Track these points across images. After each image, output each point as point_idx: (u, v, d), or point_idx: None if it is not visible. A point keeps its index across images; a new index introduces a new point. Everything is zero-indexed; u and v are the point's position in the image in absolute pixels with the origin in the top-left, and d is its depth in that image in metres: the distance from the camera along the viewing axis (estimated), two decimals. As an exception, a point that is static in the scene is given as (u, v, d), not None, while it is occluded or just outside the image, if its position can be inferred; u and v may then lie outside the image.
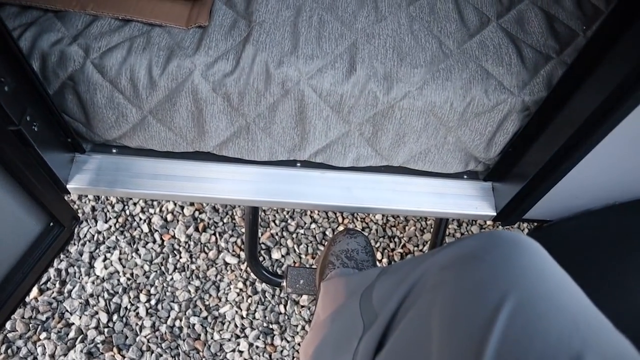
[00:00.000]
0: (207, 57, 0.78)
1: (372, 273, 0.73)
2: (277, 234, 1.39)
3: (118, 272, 1.31)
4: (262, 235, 1.39)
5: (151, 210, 1.42)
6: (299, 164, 0.93)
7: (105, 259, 1.32)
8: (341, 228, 1.41)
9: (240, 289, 1.31)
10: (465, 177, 1.00)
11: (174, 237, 1.37)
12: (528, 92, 0.84)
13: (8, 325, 1.21)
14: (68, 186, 0.90)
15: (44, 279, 1.28)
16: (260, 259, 1.33)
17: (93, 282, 1.28)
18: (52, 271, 1.29)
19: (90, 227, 1.36)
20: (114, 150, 0.93)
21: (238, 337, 1.25)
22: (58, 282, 1.28)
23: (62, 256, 1.32)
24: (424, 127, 0.84)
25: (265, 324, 1.27)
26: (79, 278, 1.29)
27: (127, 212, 1.41)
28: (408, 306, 0.54)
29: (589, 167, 0.81)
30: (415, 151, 0.90)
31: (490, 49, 0.87)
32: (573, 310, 0.40)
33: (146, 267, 1.32)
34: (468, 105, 0.82)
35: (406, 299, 0.55)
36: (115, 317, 1.25)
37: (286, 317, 1.28)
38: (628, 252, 0.89)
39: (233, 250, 1.36)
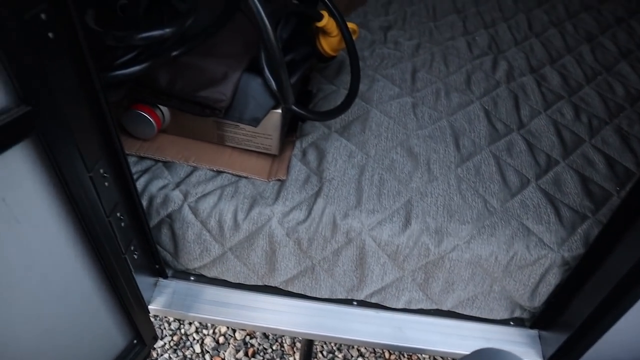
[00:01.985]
0: (283, 207, 0.92)
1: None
2: (324, 365, 1.44)
3: (171, 392, 1.36)
4: (310, 365, 1.43)
5: (205, 332, 1.50)
6: (355, 303, 1.02)
7: (158, 376, 1.39)
8: (387, 364, 1.44)
9: (286, 420, 1.33)
10: (511, 323, 1.05)
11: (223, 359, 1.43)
12: (567, 248, 0.92)
13: None
14: (149, 307, 1.01)
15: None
16: (308, 389, 1.36)
17: (147, 401, 1.34)
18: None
19: (151, 345, 1.45)
20: (192, 278, 1.05)
21: None
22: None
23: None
24: (471, 276, 0.93)
25: None
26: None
27: (182, 331, 1.50)
28: None
29: (637, 319, 0.85)
30: (463, 297, 0.98)
31: (531, 208, 0.98)
32: None
33: (197, 389, 1.37)
34: (511, 259, 0.91)
35: None
36: None
37: None
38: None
39: (281, 378, 1.40)
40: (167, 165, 1.00)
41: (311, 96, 1.19)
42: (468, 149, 1.09)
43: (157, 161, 1.01)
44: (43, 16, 0.55)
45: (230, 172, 0.98)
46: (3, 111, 0.54)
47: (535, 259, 0.92)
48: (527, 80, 1.36)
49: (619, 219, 0.82)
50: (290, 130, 1.08)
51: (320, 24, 1.04)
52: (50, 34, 0.57)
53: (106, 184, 0.77)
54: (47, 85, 0.58)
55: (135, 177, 0.96)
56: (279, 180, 0.97)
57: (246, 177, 0.98)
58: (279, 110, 0.93)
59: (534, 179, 1.05)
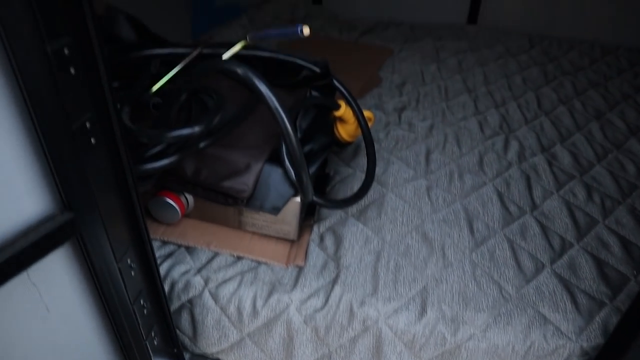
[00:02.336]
0: (301, 294, 0.94)
1: None
2: None
3: None
4: None
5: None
6: (372, 391, 1.02)
7: None
8: None
9: None
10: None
11: None
12: (585, 338, 0.92)
13: None
14: (167, 392, 1.02)
15: None
16: None
17: None
18: None
19: None
20: (209, 362, 1.06)
21: None
22: None
23: None
24: (489, 366, 0.93)
25: None
26: None
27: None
28: None
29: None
30: (481, 387, 0.97)
31: (546, 295, 0.98)
32: None
33: None
34: (529, 349, 0.91)
35: None
36: None
37: None
38: None
39: None
40: (190, 250, 1.04)
41: (328, 179, 1.24)
42: (482, 233, 1.11)
43: (179, 246, 1.04)
44: (87, 125, 0.61)
45: (250, 257, 1.01)
46: (48, 219, 0.58)
47: (554, 349, 0.91)
48: (538, 160, 1.39)
49: (638, 307, 0.82)
50: (308, 214, 1.12)
51: (338, 114, 1.10)
52: (92, 140, 0.62)
53: (132, 273, 0.81)
54: (89, 190, 0.62)
55: (158, 261, 0.99)
56: (297, 266, 1.00)
57: (265, 263, 1.00)
58: (298, 199, 0.97)
59: (548, 264, 1.06)
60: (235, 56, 1.06)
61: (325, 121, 1.11)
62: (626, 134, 1.58)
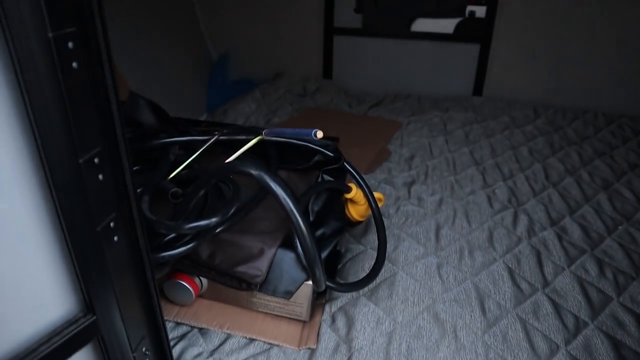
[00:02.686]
0: (314, 379, 0.94)
1: None
2: None
3: None
4: None
5: None
6: None
7: None
8: None
9: None
10: None
11: None
12: None
13: None
14: None
15: None
16: None
17: None
18: None
19: None
20: None
21: None
22: None
23: None
24: None
25: None
26: None
27: None
28: None
29: None
30: None
31: (563, 379, 0.97)
32: None
33: None
34: None
35: None
36: None
37: None
38: None
39: None
40: (203, 331, 1.05)
41: (340, 257, 1.26)
42: (494, 312, 1.11)
43: (193, 327, 1.06)
44: (112, 224, 0.64)
45: (262, 339, 1.02)
46: (71, 322, 0.60)
47: None
48: (548, 234, 1.40)
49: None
50: (320, 294, 1.13)
51: (349, 196, 1.14)
52: (115, 237, 0.65)
53: (147, 360, 0.82)
54: (111, 289, 0.65)
55: (171, 343, 1.00)
56: (309, 348, 1.00)
57: (278, 345, 1.01)
58: (310, 282, 0.99)
59: (563, 345, 1.05)
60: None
61: (337, 203, 1.15)
62: (635, 205, 1.60)
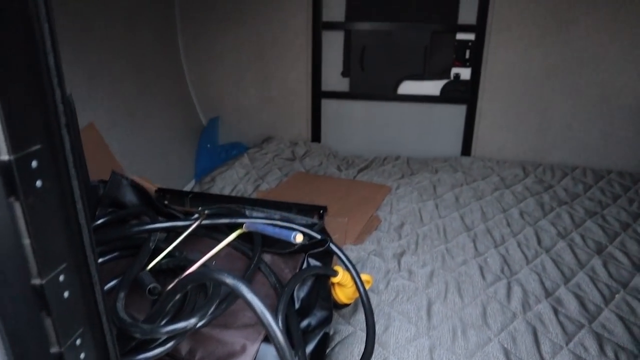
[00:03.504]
0: None
1: None
2: None
3: None
4: None
5: None
6: None
7: None
8: None
9: None
10: None
11: None
12: None
13: None
14: None
15: None
16: None
17: None
18: None
19: None
20: None
21: None
22: None
23: None
24: None
25: None
26: None
27: None
28: None
29: None
30: None
31: None
32: None
33: None
34: None
35: None
36: None
37: None
38: None
39: None
40: None
41: (328, 340, 1.21)
42: (491, 402, 1.05)
43: None
44: (78, 341, 0.60)
45: None
46: None
47: None
48: (543, 308, 1.36)
49: None
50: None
51: (335, 280, 1.10)
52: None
53: None
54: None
55: None
56: None
57: None
58: (296, 379, 0.94)
59: None
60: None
61: (324, 287, 1.11)
62: (630, 270, 1.57)
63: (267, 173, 2.34)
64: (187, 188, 2.54)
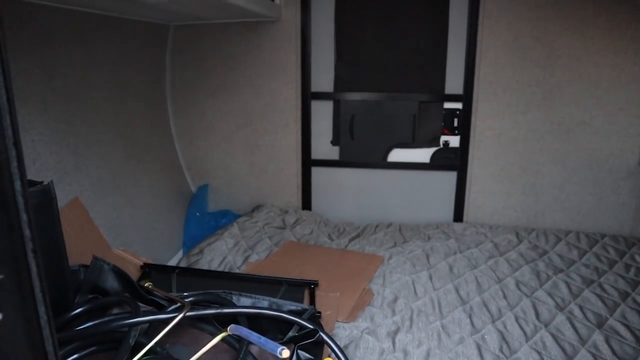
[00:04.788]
0: None
1: None
2: None
3: None
4: None
5: None
6: None
7: None
8: None
9: None
10: None
11: None
12: None
13: None
14: None
15: None
16: None
17: None
18: None
19: None
20: None
21: None
22: None
23: None
24: None
25: None
26: None
27: None
28: None
29: None
30: None
31: None
32: None
33: None
34: None
35: None
36: None
37: None
38: None
39: None
40: None
41: None
42: None
43: None
44: None
45: None
46: None
47: None
48: (547, 394, 1.29)
49: None
50: None
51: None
52: None
53: None
54: None
55: None
56: None
57: None
58: None
59: None
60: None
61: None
62: (634, 345, 1.51)
63: (257, 242, 2.29)
64: (175, 259, 2.48)
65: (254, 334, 0.94)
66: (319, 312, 1.42)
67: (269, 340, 0.88)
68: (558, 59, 2.33)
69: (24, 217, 0.48)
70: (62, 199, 1.71)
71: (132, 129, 2.35)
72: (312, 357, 1.04)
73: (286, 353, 0.83)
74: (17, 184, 0.46)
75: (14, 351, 0.48)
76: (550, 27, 2.30)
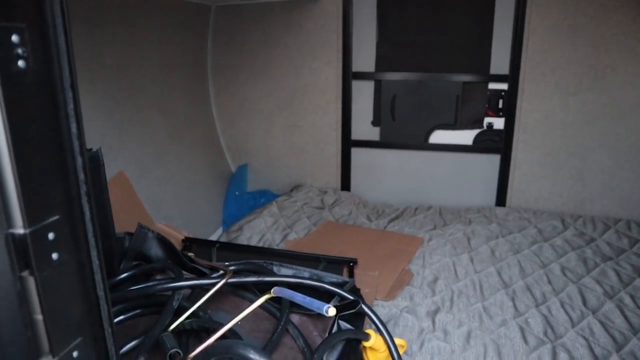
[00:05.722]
0: None
1: None
2: None
3: None
4: None
5: None
6: None
7: None
8: None
9: None
10: None
11: None
12: None
13: None
14: None
15: None
16: None
17: None
18: None
19: None
20: None
21: None
22: None
23: None
24: None
25: None
26: None
27: None
28: None
29: None
30: None
31: None
32: None
33: None
34: None
35: None
36: None
37: None
38: None
39: None
40: None
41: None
42: None
43: None
44: None
45: None
46: None
47: None
48: (594, 378, 1.24)
49: None
50: None
51: (367, 344, 1.03)
52: None
53: None
54: None
55: None
56: None
57: None
58: None
59: None
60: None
61: (355, 352, 1.04)
62: (689, 337, 1.43)
63: (296, 222, 2.29)
64: (215, 236, 2.52)
65: (298, 294, 0.94)
66: (359, 289, 1.40)
67: (315, 300, 0.88)
68: (613, 36, 2.21)
69: (79, 160, 0.48)
70: (108, 173, 1.76)
71: (174, 109, 2.39)
72: (353, 328, 1.04)
73: (332, 311, 0.82)
74: (73, 126, 0.46)
75: (67, 292, 0.49)
76: (605, 3, 2.18)
